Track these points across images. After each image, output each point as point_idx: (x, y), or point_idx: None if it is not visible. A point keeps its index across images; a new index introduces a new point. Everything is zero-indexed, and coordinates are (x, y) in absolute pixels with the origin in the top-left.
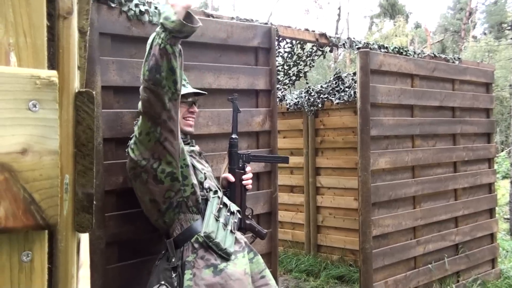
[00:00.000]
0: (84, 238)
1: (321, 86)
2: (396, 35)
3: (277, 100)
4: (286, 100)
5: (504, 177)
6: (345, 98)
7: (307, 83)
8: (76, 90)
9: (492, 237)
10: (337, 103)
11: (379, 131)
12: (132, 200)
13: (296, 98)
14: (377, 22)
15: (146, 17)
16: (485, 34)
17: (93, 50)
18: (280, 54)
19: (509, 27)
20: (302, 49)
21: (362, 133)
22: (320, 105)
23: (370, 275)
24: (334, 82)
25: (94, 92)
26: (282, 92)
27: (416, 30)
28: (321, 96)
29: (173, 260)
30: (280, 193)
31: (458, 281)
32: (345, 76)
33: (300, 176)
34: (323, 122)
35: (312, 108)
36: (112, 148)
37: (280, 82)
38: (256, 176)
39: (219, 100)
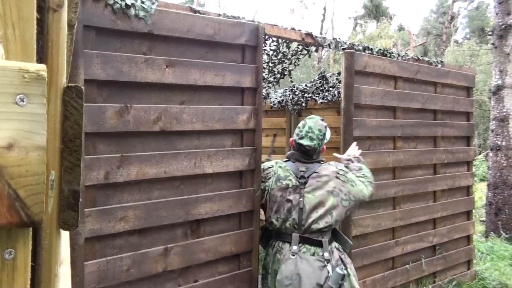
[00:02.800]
0: (65, 234)
1: (306, 85)
2: (380, 37)
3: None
4: (270, 98)
5: (481, 180)
6: (328, 98)
7: (291, 81)
8: (65, 85)
9: (468, 239)
10: (321, 103)
11: (361, 131)
12: (112, 195)
13: (280, 97)
14: (361, 23)
15: (132, 11)
16: (467, 38)
17: (77, 43)
18: (266, 51)
19: (490, 32)
20: (288, 47)
21: (345, 133)
22: (304, 104)
23: None
24: (318, 81)
25: (83, 88)
26: (266, 90)
27: (399, 32)
28: (305, 95)
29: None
30: None
31: (434, 282)
32: (330, 76)
33: None
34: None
35: (296, 107)
36: (93, 143)
37: (264, 80)
38: (239, 174)
39: (204, 97)
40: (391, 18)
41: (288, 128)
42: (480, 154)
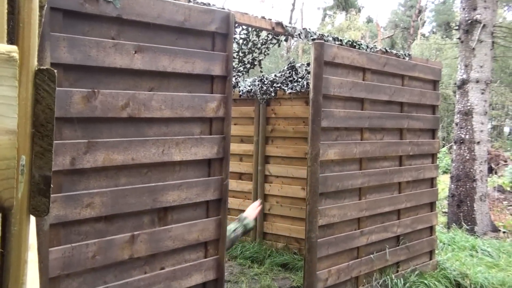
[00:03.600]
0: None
1: (275, 75)
2: (349, 29)
3: None
4: (240, 87)
5: (444, 172)
6: (297, 88)
7: (261, 71)
8: (36, 68)
9: (431, 229)
10: (290, 93)
11: (329, 122)
12: (79, 181)
13: (249, 86)
14: (330, 14)
15: None
16: (433, 32)
17: (44, 25)
18: (236, 40)
19: (456, 27)
20: (258, 36)
21: (313, 123)
22: (272, 94)
23: (314, 263)
24: (287, 71)
25: (55, 71)
26: (236, 79)
27: (367, 24)
28: (274, 85)
29: None
30: (229, 179)
31: (397, 271)
32: (299, 66)
33: (249, 164)
34: (274, 111)
35: (264, 96)
36: (59, 128)
37: (234, 69)
38: (208, 162)
39: (173, 84)
40: (359, 10)
41: (256, 117)
42: (443, 147)
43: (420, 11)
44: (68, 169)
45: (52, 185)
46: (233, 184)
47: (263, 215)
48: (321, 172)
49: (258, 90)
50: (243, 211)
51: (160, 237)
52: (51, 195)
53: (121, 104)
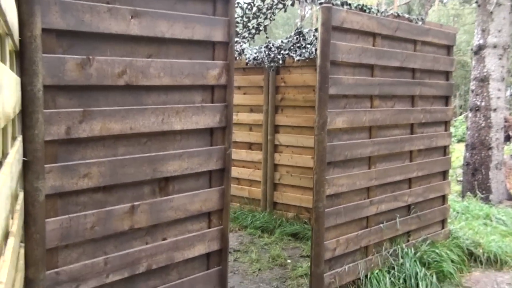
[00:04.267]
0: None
1: (282, 41)
2: None
3: (236, 54)
4: (246, 54)
5: (460, 141)
6: (306, 55)
7: (267, 37)
8: None
9: (443, 198)
10: (298, 60)
11: (337, 89)
12: (75, 151)
13: (256, 53)
14: None
15: None
16: None
17: None
18: (239, 5)
19: None
20: (263, 1)
21: (321, 91)
22: (280, 62)
23: (322, 233)
24: (295, 37)
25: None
26: (241, 45)
27: None
28: (282, 52)
29: None
30: (238, 149)
31: (408, 241)
32: (307, 32)
33: (259, 134)
34: (284, 80)
35: (272, 64)
36: (53, 96)
37: (238, 35)
38: (210, 131)
39: (172, 50)
40: None
41: (266, 86)
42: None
43: None
44: (63, 138)
45: (46, 155)
46: (242, 154)
47: (273, 185)
48: (328, 141)
49: (266, 58)
50: (253, 181)
51: (161, 208)
52: (46, 166)
53: (117, 71)
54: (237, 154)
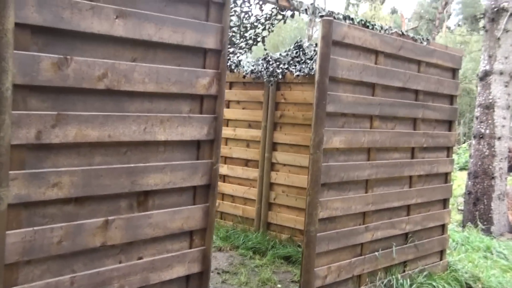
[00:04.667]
0: None
1: (280, 54)
2: (373, 18)
3: (232, 65)
4: (243, 66)
5: (462, 169)
6: (305, 71)
7: (265, 49)
8: None
9: (443, 228)
10: (297, 76)
11: (336, 107)
12: (45, 158)
13: (253, 65)
14: (354, 3)
15: None
16: (459, 25)
17: None
18: (236, 13)
19: (482, 15)
20: (261, 10)
21: (318, 108)
22: (280, 76)
23: (313, 259)
24: (294, 51)
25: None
26: (237, 56)
27: (392, 15)
28: (281, 66)
29: None
30: (235, 166)
31: (404, 271)
32: (307, 47)
33: (256, 150)
34: (284, 96)
35: (271, 78)
36: (24, 97)
37: (235, 45)
38: (197, 144)
39: (160, 56)
40: (384, 0)
41: (265, 102)
42: (464, 142)
43: (446, 3)
44: (33, 143)
45: (12, 160)
46: (238, 171)
47: (268, 204)
48: (324, 161)
49: (264, 71)
50: (248, 199)
51: (138, 224)
52: (11, 172)
53: (97, 74)
54: (233, 170)
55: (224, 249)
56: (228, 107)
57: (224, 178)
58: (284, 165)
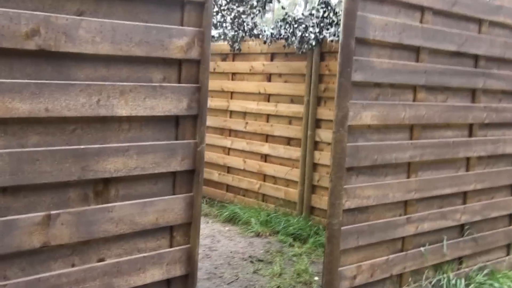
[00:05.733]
0: None
1: (302, 14)
2: None
3: (247, 31)
4: (265, 31)
5: None
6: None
7: (283, 8)
8: None
9: (510, 218)
10: (331, 41)
11: (366, 76)
12: None
13: (272, 28)
14: None
15: None
16: None
17: None
18: None
19: None
20: None
21: (341, 76)
22: (312, 42)
23: (336, 257)
24: (322, 10)
25: None
26: (252, 18)
27: None
28: (309, 29)
29: None
30: (276, 144)
31: (459, 269)
32: (336, 4)
33: (298, 128)
34: (328, 67)
35: (303, 46)
36: None
37: (244, 3)
38: (175, 121)
39: (117, 8)
40: None
41: (308, 74)
42: None
43: None
44: None
45: None
46: (280, 150)
47: (312, 187)
48: (351, 141)
49: (288, 35)
50: (290, 181)
51: (95, 219)
52: None
53: (25, 30)
54: (275, 149)
55: (263, 235)
56: (269, 80)
57: (266, 157)
58: (329, 144)
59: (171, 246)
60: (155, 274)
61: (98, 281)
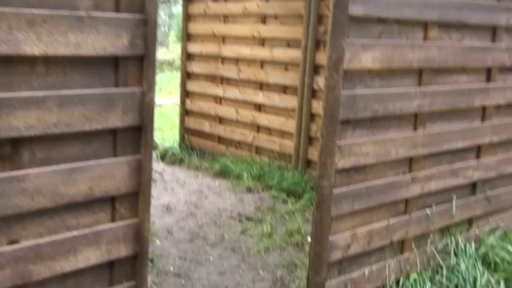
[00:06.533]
0: None
1: None
2: None
3: None
4: None
5: None
6: None
7: None
8: None
9: None
10: None
11: (367, 8)
12: None
13: None
14: None
15: None
16: None
17: None
18: None
19: None
20: None
21: (336, 8)
22: None
23: (326, 224)
24: None
25: None
26: None
27: None
28: None
29: None
30: (271, 93)
31: (468, 230)
32: None
33: (295, 75)
34: (329, 7)
35: None
36: None
37: None
38: (113, 63)
39: None
40: None
41: (306, 15)
42: None
43: None
44: None
45: None
46: (275, 99)
47: (308, 139)
48: (347, 88)
49: None
50: (285, 133)
51: (0, 191)
52: None
53: None
54: (269, 98)
55: (254, 190)
56: (264, 23)
57: (260, 107)
58: None
59: (112, 221)
60: (91, 257)
61: (7, 270)
